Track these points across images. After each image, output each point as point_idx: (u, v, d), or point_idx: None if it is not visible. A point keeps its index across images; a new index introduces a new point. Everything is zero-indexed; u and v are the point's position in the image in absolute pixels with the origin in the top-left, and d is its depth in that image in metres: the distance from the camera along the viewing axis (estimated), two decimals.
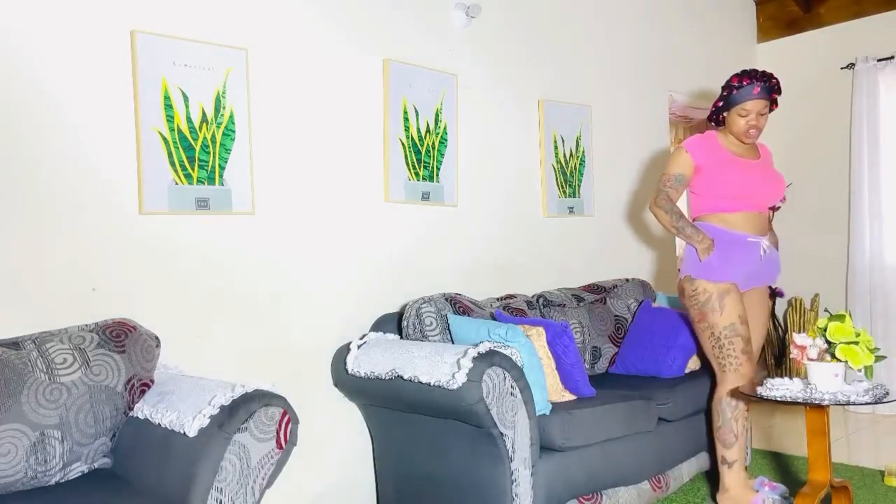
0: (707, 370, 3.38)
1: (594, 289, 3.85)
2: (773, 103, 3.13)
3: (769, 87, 3.06)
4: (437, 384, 2.55)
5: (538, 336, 2.99)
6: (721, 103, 3.13)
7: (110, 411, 2.19)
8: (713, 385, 3.20)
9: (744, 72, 3.07)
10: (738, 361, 3.04)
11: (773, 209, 5.29)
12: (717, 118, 3.20)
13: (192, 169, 2.69)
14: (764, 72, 3.07)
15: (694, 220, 3.23)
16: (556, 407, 2.83)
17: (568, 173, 4.10)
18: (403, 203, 3.36)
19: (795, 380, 2.73)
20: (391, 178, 3.29)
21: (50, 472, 2.08)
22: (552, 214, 4.01)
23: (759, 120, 3.07)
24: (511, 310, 3.38)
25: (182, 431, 2.03)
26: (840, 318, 2.63)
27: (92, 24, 2.49)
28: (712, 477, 3.48)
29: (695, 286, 3.08)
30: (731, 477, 3.07)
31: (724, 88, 3.11)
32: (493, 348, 2.60)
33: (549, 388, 2.93)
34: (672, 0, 4.83)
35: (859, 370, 2.60)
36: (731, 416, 3.06)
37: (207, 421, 2.00)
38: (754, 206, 3.11)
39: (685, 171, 3.15)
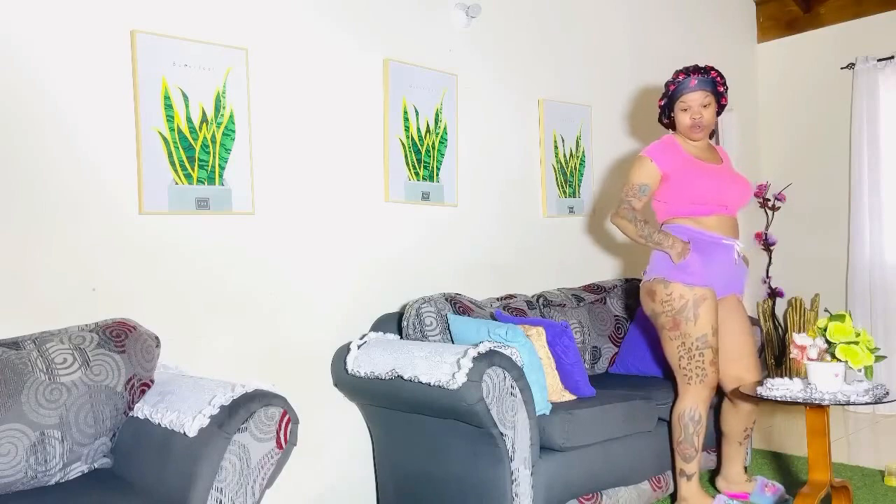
0: (671, 379, 3.23)
1: (594, 289, 3.85)
2: (720, 98, 3.06)
3: (707, 79, 3.00)
4: (437, 384, 2.55)
5: (538, 336, 2.99)
6: (663, 101, 3.10)
7: (110, 411, 2.19)
8: (675, 396, 3.09)
9: (682, 68, 3.04)
10: (705, 373, 2.94)
11: (774, 209, 5.30)
12: (664, 119, 3.15)
13: (192, 169, 2.69)
14: (701, 66, 3.03)
15: (663, 224, 3.11)
16: (557, 407, 2.83)
17: (568, 173, 4.10)
18: (403, 203, 3.36)
19: (795, 380, 2.73)
20: (391, 178, 3.29)
21: (50, 472, 2.08)
22: (552, 214, 4.01)
23: (703, 113, 3.01)
24: (511, 310, 3.38)
25: (182, 431, 2.03)
26: (840, 318, 2.63)
27: (92, 24, 2.49)
28: (712, 477, 3.48)
29: (669, 290, 2.93)
30: (690, 488, 3.00)
31: (664, 87, 3.08)
32: (493, 348, 2.60)
33: (550, 388, 2.93)
34: (672, 0, 4.83)
35: (859, 370, 2.60)
36: (693, 430, 2.95)
37: (207, 421, 2.00)
38: (726, 210, 3.02)
39: (649, 181, 3.02)
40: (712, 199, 2.99)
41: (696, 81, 2.99)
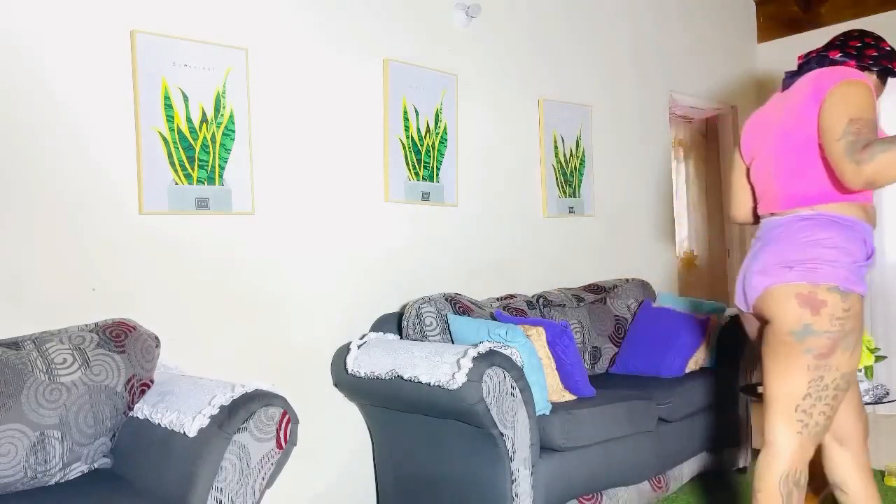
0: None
1: (594, 289, 3.85)
2: None
3: None
4: (437, 384, 2.55)
5: (538, 336, 2.99)
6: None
7: (110, 411, 2.19)
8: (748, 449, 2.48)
9: None
10: (827, 423, 2.09)
11: None
12: (883, 64, 2.25)
13: (192, 169, 2.69)
14: None
15: (813, 206, 2.12)
16: (557, 407, 2.83)
17: (568, 173, 4.10)
18: (403, 203, 3.36)
19: None
20: (391, 178, 3.29)
21: (50, 472, 2.08)
22: (552, 214, 4.01)
23: None
24: (511, 310, 3.38)
25: (182, 431, 2.03)
26: None
27: (92, 24, 2.49)
28: (712, 477, 3.48)
29: (849, 305, 2.01)
30: None
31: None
32: (493, 348, 2.60)
33: (550, 388, 2.93)
34: (672, 0, 4.83)
35: (859, 370, 2.60)
36: (796, 499, 2.08)
37: (207, 421, 2.00)
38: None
39: (876, 119, 2.01)
40: None
41: None
